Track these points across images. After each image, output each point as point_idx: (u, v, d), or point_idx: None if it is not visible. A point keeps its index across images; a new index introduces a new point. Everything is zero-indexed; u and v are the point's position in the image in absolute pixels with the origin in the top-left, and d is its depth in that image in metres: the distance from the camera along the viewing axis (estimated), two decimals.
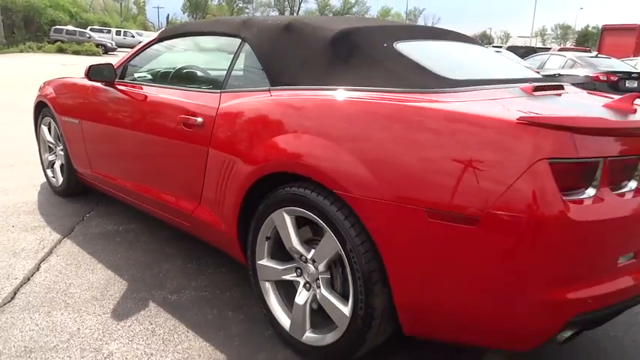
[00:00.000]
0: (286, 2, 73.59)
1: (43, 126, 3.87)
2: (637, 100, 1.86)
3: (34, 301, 2.32)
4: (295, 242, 1.90)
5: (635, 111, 1.72)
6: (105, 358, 1.93)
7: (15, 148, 5.18)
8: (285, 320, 2.01)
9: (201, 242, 2.66)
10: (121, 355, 1.95)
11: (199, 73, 2.75)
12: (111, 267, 2.70)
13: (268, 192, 1.97)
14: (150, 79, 2.87)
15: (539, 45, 67.72)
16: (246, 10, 74.78)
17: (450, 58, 2.24)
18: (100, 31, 37.11)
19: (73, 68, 16.53)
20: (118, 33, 38.42)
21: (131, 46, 37.52)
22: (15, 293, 2.39)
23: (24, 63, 19.66)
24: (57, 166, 3.81)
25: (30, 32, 33.61)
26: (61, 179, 3.75)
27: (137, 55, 3.03)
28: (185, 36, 2.81)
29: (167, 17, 77.66)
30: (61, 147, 3.62)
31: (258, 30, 2.30)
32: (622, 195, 1.50)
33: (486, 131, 1.44)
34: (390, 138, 1.60)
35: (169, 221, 2.71)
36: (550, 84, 2.00)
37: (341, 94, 1.83)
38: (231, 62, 2.37)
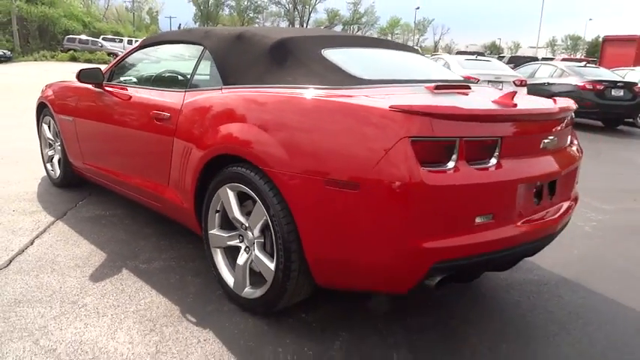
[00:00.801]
0: (296, 12, 74.57)
1: (43, 124, 4.32)
2: (522, 95, 2.25)
3: (26, 267, 2.74)
4: (237, 213, 2.30)
5: (513, 105, 2.10)
6: (80, 307, 2.34)
7: (24, 147, 5.63)
8: (230, 280, 2.40)
9: (175, 224, 3.06)
10: (94, 306, 2.36)
11: (171, 75, 3.18)
12: (94, 243, 3.12)
13: (217, 172, 2.38)
14: (132, 81, 3.30)
15: (549, 55, 67.78)
16: (257, 20, 75.85)
17: (370, 62, 2.65)
18: (112, 40, 38.01)
19: None
20: (129, 42, 39.26)
21: None
22: (10, 261, 2.81)
23: (37, 71, 20.40)
24: (55, 160, 4.25)
25: (44, 41, 34.62)
26: (58, 172, 4.19)
27: (123, 60, 3.47)
28: (161, 44, 3.27)
29: (179, 27, 78.86)
30: (59, 143, 4.06)
31: (217, 39, 2.73)
32: (481, 168, 1.88)
33: (368, 117, 1.85)
34: (299, 124, 2.02)
35: (146, 204, 3.12)
36: (454, 84, 2.40)
37: (271, 91, 2.25)
38: (195, 66, 2.80)
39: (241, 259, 2.32)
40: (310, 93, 2.12)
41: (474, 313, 2.47)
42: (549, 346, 2.20)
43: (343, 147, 1.87)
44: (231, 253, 2.47)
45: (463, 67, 10.03)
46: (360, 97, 2.01)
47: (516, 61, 22.55)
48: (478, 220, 1.87)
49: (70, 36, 33.79)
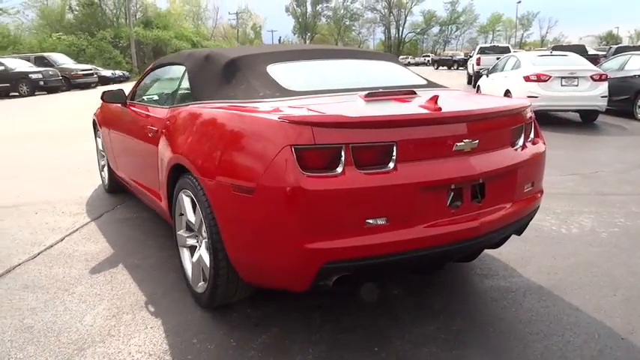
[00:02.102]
0: (391, 17, 74.27)
1: (97, 138, 4.97)
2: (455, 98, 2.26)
3: (47, 260, 3.25)
4: (190, 216, 2.57)
5: (436, 109, 2.13)
6: (69, 295, 2.75)
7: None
8: (190, 275, 2.67)
9: None
10: (80, 294, 2.76)
11: (164, 94, 3.56)
12: (110, 241, 3.58)
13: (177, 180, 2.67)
14: (143, 100, 3.74)
15: None
16: (353, 28, 76.84)
17: (312, 74, 2.79)
18: None
19: None
20: None
21: None
22: (38, 254, 3.35)
23: None
24: (105, 169, 4.87)
25: None
26: (107, 179, 4.80)
27: (142, 80, 3.93)
28: (163, 66, 3.67)
29: (279, 39, 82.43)
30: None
31: (192, 59, 3.04)
32: (373, 173, 1.94)
33: (260, 128, 2.02)
34: (216, 135, 2.25)
35: (152, 208, 3.52)
36: (394, 91, 2.47)
37: (209, 106, 2.49)
38: (178, 85, 3.13)
39: (194, 257, 2.58)
40: (229, 107, 2.34)
41: (408, 314, 2.48)
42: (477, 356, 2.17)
43: (243, 155, 2.06)
44: (193, 250, 2.74)
45: (534, 63, 9.49)
46: (264, 108, 2.18)
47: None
48: (370, 222, 1.94)
49: None
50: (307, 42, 79.27)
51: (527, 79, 9.09)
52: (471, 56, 23.89)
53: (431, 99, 2.18)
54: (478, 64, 19.17)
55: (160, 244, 3.49)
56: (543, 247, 3.33)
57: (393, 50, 72.23)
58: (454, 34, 77.39)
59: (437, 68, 42.77)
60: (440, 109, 2.13)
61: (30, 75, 19.55)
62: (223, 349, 2.22)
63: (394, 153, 1.98)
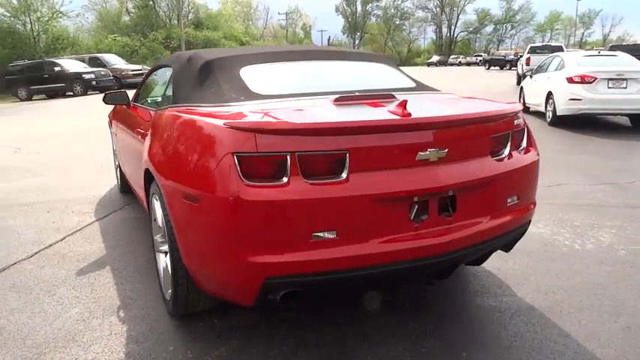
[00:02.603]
0: (443, 15, 72.71)
1: (113, 137, 5.07)
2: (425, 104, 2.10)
3: (41, 259, 3.31)
4: (160, 221, 2.53)
5: (404, 115, 1.97)
6: (50, 296, 2.78)
7: None
8: (161, 281, 2.63)
9: None
10: (60, 296, 2.78)
11: (153, 96, 3.56)
12: (106, 241, 3.61)
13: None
14: (143, 101, 3.75)
15: None
16: (403, 27, 75.79)
17: (288, 77, 2.67)
18: None
19: None
20: None
21: None
22: (35, 254, 3.42)
23: None
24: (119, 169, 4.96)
25: None
26: (119, 179, 4.88)
27: (143, 83, 3.95)
28: (159, 68, 3.65)
29: (329, 39, 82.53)
30: None
31: (179, 61, 3.00)
32: (322, 183, 1.81)
33: (207, 133, 1.94)
34: (173, 141, 2.18)
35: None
36: (362, 95, 2.33)
37: (178, 110, 2.43)
38: (165, 87, 3.10)
39: (163, 263, 2.54)
40: (187, 111, 2.28)
41: (379, 332, 2.32)
42: None
43: (192, 162, 1.98)
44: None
45: (579, 64, 8.94)
46: (220, 113, 2.09)
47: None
48: (317, 236, 1.81)
49: None
50: (356, 42, 78.97)
51: (570, 80, 8.56)
52: (521, 56, 22.94)
53: (400, 104, 2.02)
54: (528, 64, 18.33)
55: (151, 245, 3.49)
56: (549, 263, 3.07)
57: (445, 50, 70.67)
58: (509, 33, 74.68)
59: (488, 68, 41.36)
60: (408, 114, 1.97)
61: (83, 75, 20.48)
62: None
63: (347, 162, 1.84)
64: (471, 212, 2.09)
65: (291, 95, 2.36)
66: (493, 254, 2.56)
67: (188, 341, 2.30)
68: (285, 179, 1.80)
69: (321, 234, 1.82)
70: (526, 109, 10.74)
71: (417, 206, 1.95)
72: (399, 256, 1.92)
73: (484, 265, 3.02)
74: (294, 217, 1.79)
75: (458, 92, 3.02)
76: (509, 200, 2.23)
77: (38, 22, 29.73)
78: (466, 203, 2.06)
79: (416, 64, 67.42)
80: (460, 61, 57.23)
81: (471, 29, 74.84)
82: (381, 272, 1.94)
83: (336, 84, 2.64)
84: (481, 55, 55.87)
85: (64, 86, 20.43)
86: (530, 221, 2.44)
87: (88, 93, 20.12)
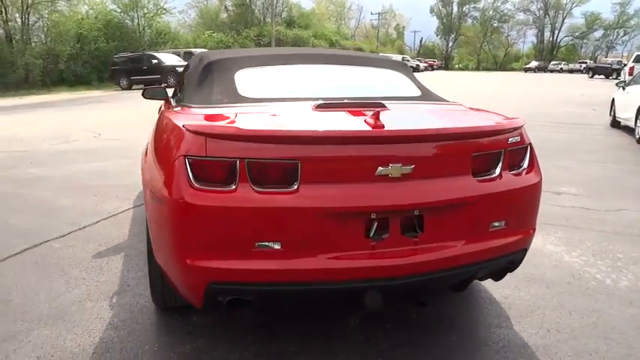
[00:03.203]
0: (547, 19, 68.32)
1: None
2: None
3: (71, 240, 3.57)
4: None
5: (376, 126, 1.88)
6: (62, 275, 2.99)
7: None
8: None
9: None
10: (69, 277, 2.97)
11: (177, 94, 3.67)
12: (132, 228, 3.82)
13: None
14: (174, 99, 3.90)
15: None
16: (502, 30, 72.27)
17: (281, 81, 2.62)
18: None
19: None
20: None
21: None
22: (68, 234, 3.69)
23: None
24: None
25: None
26: None
27: (180, 80, 4.11)
28: (188, 67, 3.76)
29: (421, 40, 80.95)
30: None
31: (194, 60, 3.08)
32: (269, 192, 1.77)
33: (171, 135, 1.96)
34: (154, 140, 2.25)
35: None
36: (346, 103, 2.25)
37: (169, 109, 2.49)
38: (180, 87, 3.21)
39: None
40: (169, 112, 2.34)
41: (347, 352, 2.22)
42: None
43: (158, 161, 2.03)
44: None
45: None
46: (185, 115, 2.12)
47: None
48: (260, 246, 1.78)
49: None
50: (450, 44, 76.64)
51: None
52: (625, 64, 21.00)
53: (374, 114, 1.92)
54: (630, 73, 16.74)
55: None
56: (565, 297, 2.77)
57: (546, 55, 66.40)
58: (621, 39, 68.53)
59: (592, 77, 38.36)
60: (380, 126, 1.87)
61: (177, 68, 21.78)
62: (143, 352, 2.22)
63: (299, 173, 1.79)
64: (442, 235, 1.94)
65: (277, 100, 2.34)
66: (505, 281, 2.37)
67: (160, 335, 2.37)
68: (233, 186, 1.78)
69: (265, 244, 1.78)
70: (616, 124, 9.81)
71: (376, 224, 1.84)
72: (351, 274, 1.83)
73: (491, 291, 2.81)
74: (238, 224, 1.77)
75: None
76: (495, 224, 2.04)
77: (144, 18, 32.09)
78: (436, 224, 1.92)
79: (512, 69, 64.10)
80: (562, 68, 53.49)
81: (577, 34, 69.55)
82: (331, 289, 1.86)
83: (330, 90, 2.57)
84: (585, 62, 51.89)
85: (159, 78, 21.86)
86: (525, 249, 2.22)
87: None
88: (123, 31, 30.70)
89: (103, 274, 3.00)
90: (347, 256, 1.82)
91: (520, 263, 2.26)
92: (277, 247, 1.78)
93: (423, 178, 1.88)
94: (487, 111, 2.50)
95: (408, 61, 48.70)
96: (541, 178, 2.22)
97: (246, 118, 2.02)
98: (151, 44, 31.60)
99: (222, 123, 1.90)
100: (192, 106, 2.39)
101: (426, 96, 2.68)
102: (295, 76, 2.71)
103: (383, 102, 2.28)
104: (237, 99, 2.33)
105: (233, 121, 1.92)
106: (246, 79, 2.49)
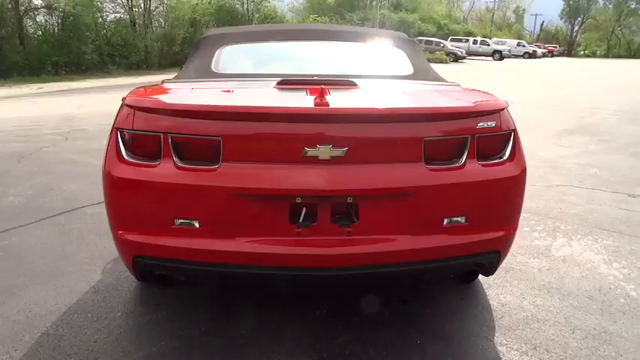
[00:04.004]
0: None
1: None
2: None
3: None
4: None
5: (319, 104, 1.75)
6: (80, 238, 3.21)
7: None
8: None
9: None
10: (82, 241, 3.19)
11: None
12: None
13: None
14: None
15: None
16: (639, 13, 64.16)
17: (262, 58, 2.51)
18: (460, 40, 39.54)
19: None
20: (474, 42, 40.11)
21: (483, 54, 38.72)
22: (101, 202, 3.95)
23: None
24: None
25: None
26: None
27: None
28: None
29: (541, 24, 74.78)
30: None
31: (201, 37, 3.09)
32: (190, 169, 1.71)
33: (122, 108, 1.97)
34: None
35: None
36: (312, 80, 2.10)
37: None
38: None
39: None
40: (163, 87, 2.33)
41: (298, 347, 2.11)
42: None
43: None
44: None
45: None
46: (150, 89, 2.11)
47: None
48: (179, 223, 1.74)
49: (418, 38, 37.02)
50: (575, 28, 69.92)
51: None
52: None
53: (320, 92, 1.78)
54: None
55: None
56: (578, 313, 2.39)
57: None
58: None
59: None
60: (320, 104, 1.73)
61: None
62: (106, 317, 2.30)
63: (220, 150, 1.71)
64: (381, 226, 1.75)
65: (245, 76, 2.28)
66: (511, 286, 2.15)
67: (130, 303, 2.44)
68: (158, 161, 1.76)
69: (184, 221, 1.74)
70: None
71: (304, 209, 1.71)
72: (272, 260, 1.73)
73: (490, 296, 2.52)
74: (158, 199, 1.75)
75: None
76: (453, 220, 1.80)
77: (253, 3, 33.36)
78: (373, 214, 1.74)
79: None
80: None
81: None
82: (254, 275, 1.78)
83: (307, 67, 2.44)
84: None
85: None
86: (499, 251, 1.94)
87: None
88: (233, 15, 32.16)
89: (111, 241, 3.15)
90: (268, 241, 1.72)
91: (494, 267, 1.98)
92: (196, 225, 1.73)
93: (359, 162, 1.71)
94: (482, 92, 2.20)
95: (523, 46, 45.28)
96: (523, 171, 1.91)
97: (188, 93, 1.98)
98: None
99: (155, 97, 1.87)
100: (171, 80, 2.40)
101: (419, 75, 2.43)
102: (277, 53, 2.61)
103: (355, 80, 2.10)
104: (208, 74, 2.31)
105: (168, 96, 1.89)
106: (226, 56, 2.45)
